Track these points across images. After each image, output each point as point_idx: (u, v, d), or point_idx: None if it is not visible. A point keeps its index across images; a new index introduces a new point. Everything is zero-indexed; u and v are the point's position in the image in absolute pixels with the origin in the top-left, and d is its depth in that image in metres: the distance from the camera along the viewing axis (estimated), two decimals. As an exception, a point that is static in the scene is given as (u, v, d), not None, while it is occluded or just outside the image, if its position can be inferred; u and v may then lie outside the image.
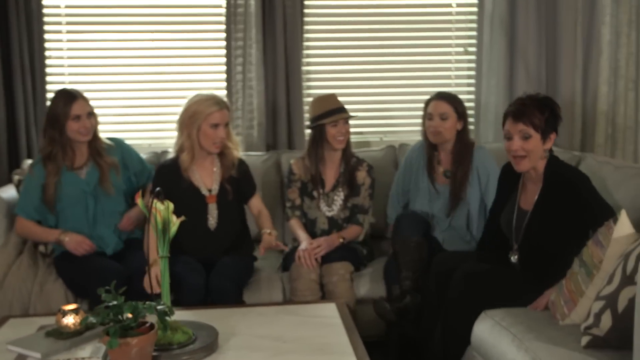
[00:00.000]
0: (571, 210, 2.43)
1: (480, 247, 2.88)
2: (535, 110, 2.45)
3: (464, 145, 3.10)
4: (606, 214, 2.34)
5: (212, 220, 2.90)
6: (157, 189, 2.14)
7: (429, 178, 3.14)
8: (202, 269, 2.77)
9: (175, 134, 3.79)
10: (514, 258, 2.62)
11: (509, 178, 2.69)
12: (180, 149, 2.89)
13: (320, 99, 3.16)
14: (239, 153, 3.00)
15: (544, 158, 2.52)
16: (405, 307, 2.77)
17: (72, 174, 2.95)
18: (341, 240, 3.04)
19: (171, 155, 3.01)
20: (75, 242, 2.83)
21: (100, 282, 2.49)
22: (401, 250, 2.91)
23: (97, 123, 2.98)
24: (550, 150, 2.54)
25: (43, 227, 2.96)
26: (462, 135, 3.11)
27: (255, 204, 3.03)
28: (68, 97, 2.90)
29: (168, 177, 2.85)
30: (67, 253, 2.87)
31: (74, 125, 2.89)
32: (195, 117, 2.82)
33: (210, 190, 2.91)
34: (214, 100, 2.85)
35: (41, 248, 3.10)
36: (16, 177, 3.24)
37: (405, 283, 2.83)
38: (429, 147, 3.16)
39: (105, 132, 3.13)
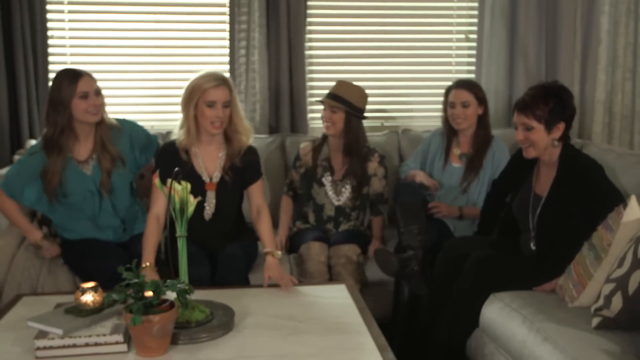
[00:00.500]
0: (584, 197, 2.47)
1: (481, 231, 2.93)
2: (539, 102, 2.47)
3: (485, 130, 3.22)
4: (618, 203, 2.36)
5: (209, 209, 2.76)
6: (176, 169, 2.14)
7: (445, 160, 3.24)
8: (207, 261, 2.69)
9: (178, 115, 3.82)
10: (533, 245, 2.64)
11: (523, 163, 2.70)
12: (180, 128, 2.75)
13: (337, 81, 3.20)
14: (250, 140, 2.80)
15: (555, 147, 2.54)
16: (408, 258, 2.82)
17: (78, 170, 2.77)
18: (379, 241, 3.17)
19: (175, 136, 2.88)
20: (50, 255, 2.82)
21: (102, 266, 2.54)
22: (401, 211, 2.96)
23: (104, 104, 2.79)
24: (566, 138, 2.57)
25: (26, 220, 2.86)
26: (484, 120, 3.22)
27: (255, 195, 2.79)
28: (73, 74, 2.69)
29: (168, 157, 2.71)
30: (70, 240, 2.84)
31: (81, 104, 2.67)
32: (193, 94, 2.65)
33: (211, 178, 2.76)
34: (213, 76, 2.66)
35: (44, 230, 3.07)
36: (18, 158, 3.21)
37: (406, 237, 2.88)
38: (449, 131, 3.27)
39: (107, 113, 3.00)
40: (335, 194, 3.17)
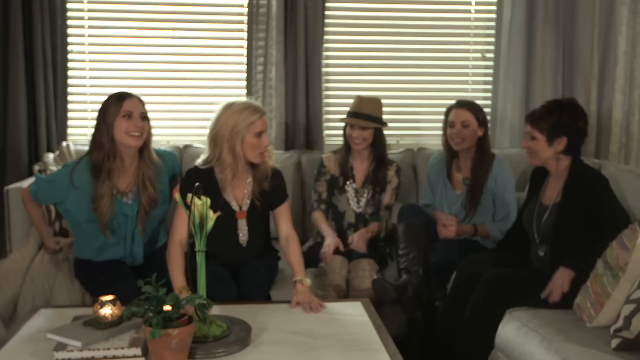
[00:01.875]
0: (587, 205, 2.54)
1: (500, 246, 2.97)
2: (544, 114, 2.60)
3: (484, 153, 3.16)
4: (620, 215, 2.51)
5: (243, 236, 2.72)
6: (197, 184, 2.15)
7: (446, 187, 3.21)
8: (231, 280, 2.66)
9: (193, 130, 3.84)
10: (541, 251, 2.69)
11: (536, 178, 2.82)
12: (219, 165, 2.62)
13: (357, 98, 3.20)
14: (273, 161, 2.76)
15: (559, 159, 2.63)
16: (404, 285, 2.80)
17: (118, 198, 2.69)
18: (370, 234, 3.10)
19: (199, 162, 2.69)
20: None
21: (114, 291, 2.39)
22: (404, 233, 2.97)
23: (150, 133, 2.69)
24: (575, 153, 2.64)
25: (47, 229, 2.89)
26: (483, 142, 3.16)
27: (283, 221, 2.74)
28: (120, 95, 2.64)
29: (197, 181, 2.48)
30: (84, 260, 2.80)
31: (123, 124, 2.57)
32: (237, 129, 2.56)
33: (240, 206, 2.71)
34: (252, 108, 2.60)
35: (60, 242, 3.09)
36: (36, 168, 3.21)
37: (403, 260, 2.89)
38: (449, 154, 3.22)
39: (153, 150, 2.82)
40: (356, 201, 3.20)
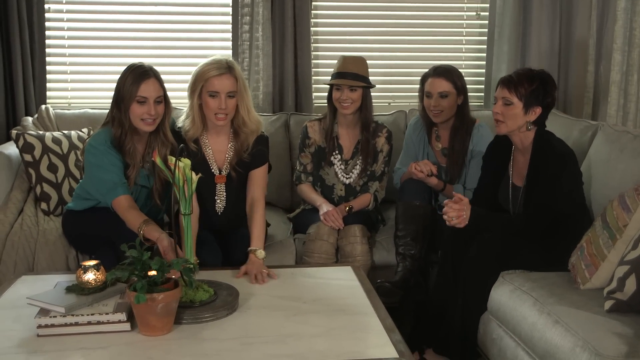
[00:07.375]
0: (559, 180, 2.50)
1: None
2: (524, 80, 2.54)
3: (463, 122, 3.04)
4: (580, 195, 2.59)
5: (220, 203, 2.68)
6: (181, 145, 2.09)
7: (432, 155, 3.09)
8: (217, 245, 2.62)
9: (177, 93, 3.66)
10: None
11: (499, 152, 2.74)
12: (185, 116, 2.62)
13: (341, 58, 3.03)
14: (260, 128, 2.66)
15: (527, 130, 2.56)
16: (404, 278, 2.76)
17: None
18: (347, 209, 2.99)
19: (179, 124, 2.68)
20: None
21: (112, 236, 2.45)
22: (402, 214, 2.90)
23: (169, 111, 2.60)
24: (541, 125, 2.58)
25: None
26: (463, 110, 3.03)
27: (254, 184, 2.64)
28: (138, 74, 2.50)
29: (179, 144, 2.42)
30: (75, 210, 2.73)
31: (137, 109, 2.49)
32: (197, 82, 2.51)
33: (220, 170, 2.65)
34: (217, 64, 2.50)
35: (43, 205, 3.05)
36: (14, 132, 3.11)
37: (401, 247, 2.84)
38: (428, 123, 3.10)
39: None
40: (345, 173, 3.08)
